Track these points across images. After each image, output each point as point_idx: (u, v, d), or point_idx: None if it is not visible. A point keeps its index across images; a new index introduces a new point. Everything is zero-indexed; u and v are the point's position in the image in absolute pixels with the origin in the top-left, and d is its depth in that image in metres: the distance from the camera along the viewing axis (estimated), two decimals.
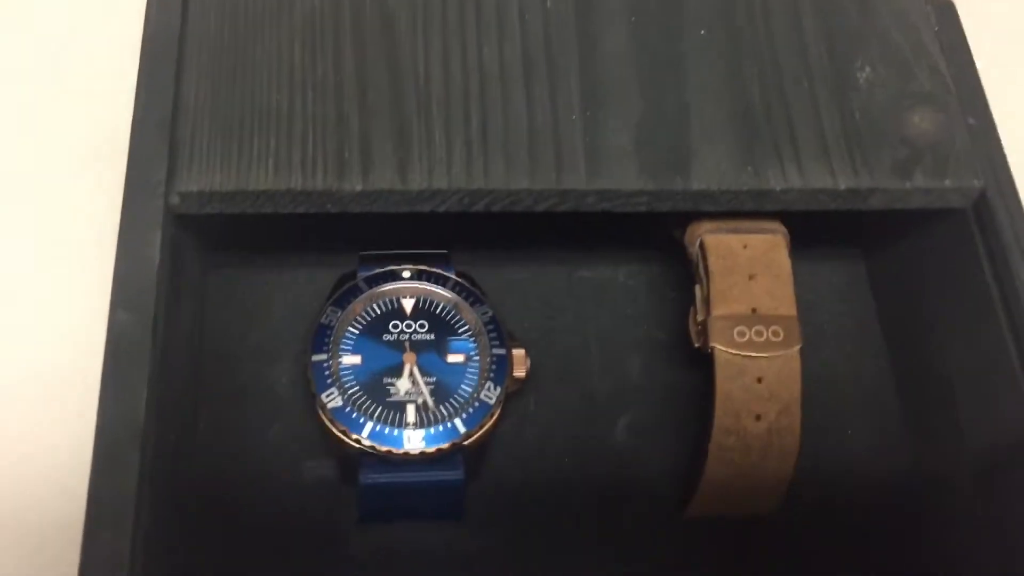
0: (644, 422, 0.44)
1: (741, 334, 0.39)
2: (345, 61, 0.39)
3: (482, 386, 0.41)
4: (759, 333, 0.39)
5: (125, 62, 0.39)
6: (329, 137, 0.37)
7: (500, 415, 0.41)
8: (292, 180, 0.36)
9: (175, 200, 0.36)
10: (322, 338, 0.41)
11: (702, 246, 0.40)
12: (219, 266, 0.45)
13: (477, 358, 0.42)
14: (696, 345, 0.40)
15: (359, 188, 0.36)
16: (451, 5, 0.40)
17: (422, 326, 0.42)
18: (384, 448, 0.39)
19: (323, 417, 0.40)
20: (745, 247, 0.40)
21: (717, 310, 0.39)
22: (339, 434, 0.39)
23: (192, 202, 0.36)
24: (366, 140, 0.37)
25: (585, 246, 0.47)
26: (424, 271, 0.43)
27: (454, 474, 0.40)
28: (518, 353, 0.42)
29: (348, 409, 0.39)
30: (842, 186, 0.38)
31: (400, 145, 0.37)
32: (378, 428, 0.39)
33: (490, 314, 0.42)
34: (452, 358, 0.42)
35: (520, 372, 0.42)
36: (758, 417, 0.39)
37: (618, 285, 0.47)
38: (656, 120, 0.39)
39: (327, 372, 0.40)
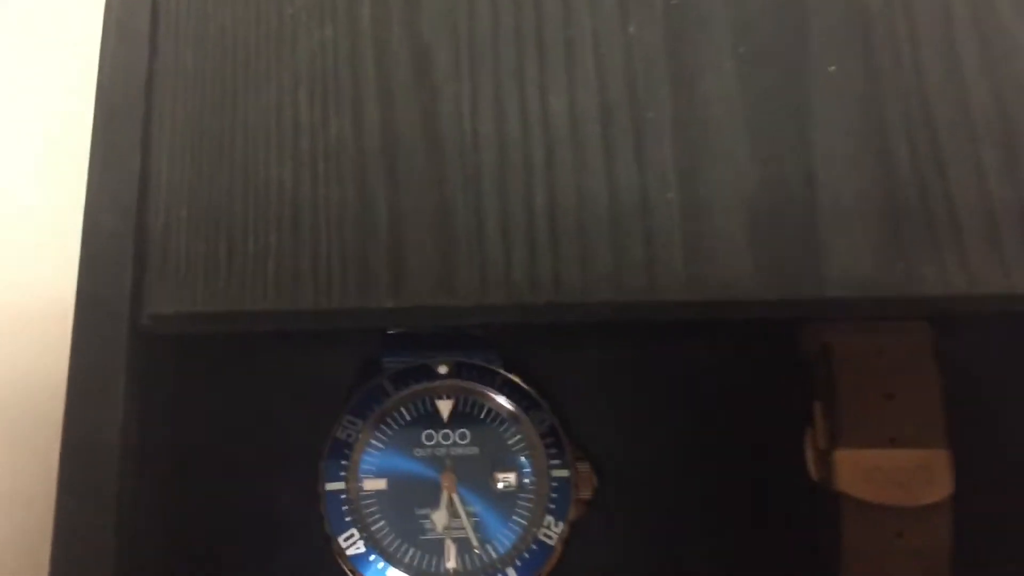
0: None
1: (876, 475, 0.30)
2: (366, 117, 0.29)
3: (540, 520, 0.33)
4: (899, 474, 0.30)
5: (76, 120, 0.30)
6: (348, 229, 0.28)
7: (562, 554, 0.33)
8: (300, 297, 0.27)
9: (145, 322, 0.27)
10: (337, 459, 0.33)
11: (826, 349, 0.32)
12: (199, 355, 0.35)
13: (533, 482, 0.33)
14: (815, 479, 0.32)
15: (389, 305, 0.27)
16: (504, 36, 0.30)
17: (462, 436, 0.34)
18: None
19: (342, 565, 0.32)
20: (881, 353, 0.32)
21: (846, 442, 0.31)
22: None
23: (167, 324, 0.27)
24: (397, 233, 0.28)
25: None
26: (464, 364, 0.34)
27: None
28: (583, 469, 0.34)
29: (373, 557, 0.31)
30: (1020, 290, 0.29)
31: (442, 238, 0.28)
32: None
33: (549, 423, 0.34)
34: (501, 479, 0.33)
35: (586, 492, 0.34)
36: None
37: (710, 369, 0.37)
38: (774, 194, 0.29)
39: (345, 505, 0.32)
